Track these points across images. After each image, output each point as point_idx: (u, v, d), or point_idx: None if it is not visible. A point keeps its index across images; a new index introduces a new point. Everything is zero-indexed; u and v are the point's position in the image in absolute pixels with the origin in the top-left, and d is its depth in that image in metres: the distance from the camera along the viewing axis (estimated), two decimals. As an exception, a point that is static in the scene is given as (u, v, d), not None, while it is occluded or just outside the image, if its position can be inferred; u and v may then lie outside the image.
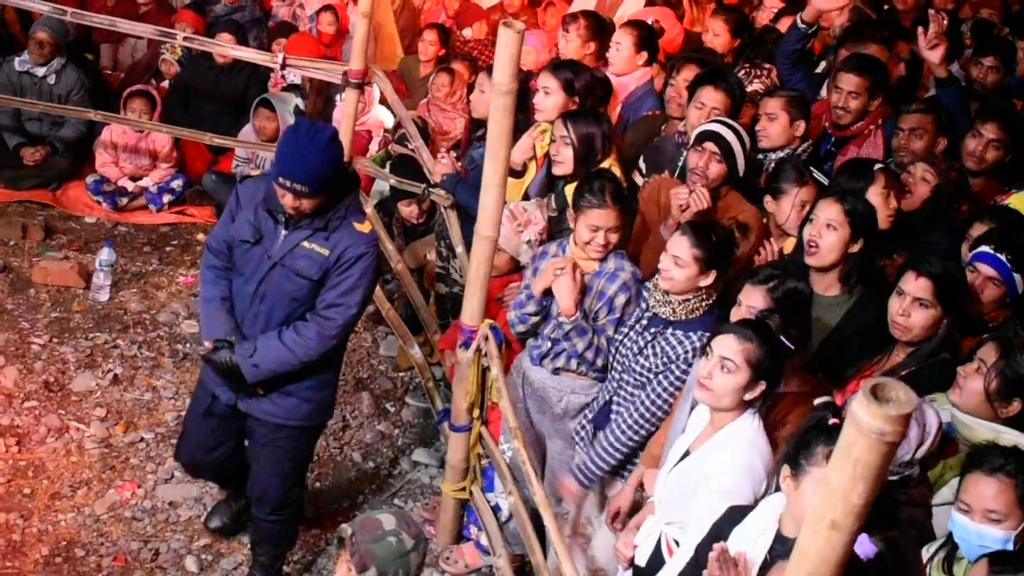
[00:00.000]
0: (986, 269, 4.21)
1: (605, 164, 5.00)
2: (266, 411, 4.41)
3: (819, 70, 6.62)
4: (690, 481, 3.52)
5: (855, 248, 4.23)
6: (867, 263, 4.32)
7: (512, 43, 3.93)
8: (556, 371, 4.61)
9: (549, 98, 5.40)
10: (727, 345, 3.43)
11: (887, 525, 2.91)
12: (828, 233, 4.19)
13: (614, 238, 4.43)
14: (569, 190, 4.99)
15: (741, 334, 3.44)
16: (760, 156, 5.31)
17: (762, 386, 3.44)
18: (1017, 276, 4.18)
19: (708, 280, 4.07)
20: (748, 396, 3.45)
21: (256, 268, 4.21)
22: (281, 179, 3.97)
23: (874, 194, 4.53)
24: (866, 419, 1.73)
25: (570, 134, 4.93)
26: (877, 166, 4.76)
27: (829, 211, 4.21)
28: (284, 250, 4.14)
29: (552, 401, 4.65)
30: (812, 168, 4.99)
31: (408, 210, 6.68)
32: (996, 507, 3.09)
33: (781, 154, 5.32)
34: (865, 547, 2.85)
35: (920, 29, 5.51)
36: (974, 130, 5.28)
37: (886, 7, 7.90)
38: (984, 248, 4.23)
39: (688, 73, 5.49)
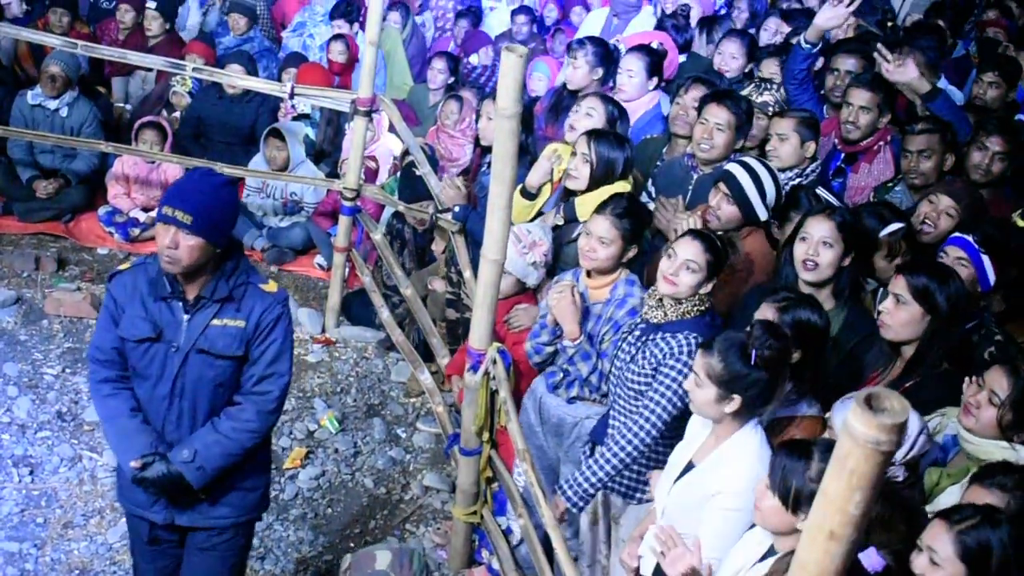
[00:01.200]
0: (953, 251, 4.36)
1: (618, 184, 5.05)
2: (213, 516, 3.91)
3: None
4: (695, 496, 3.52)
5: (846, 262, 4.30)
6: (854, 275, 4.41)
7: (515, 67, 3.94)
8: (571, 400, 4.62)
9: (590, 120, 5.47)
10: (698, 361, 3.52)
11: (900, 541, 2.92)
12: (825, 250, 4.26)
13: (602, 251, 4.44)
14: (579, 202, 5.03)
15: (706, 351, 3.50)
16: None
17: (736, 399, 3.43)
18: (985, 258, 4.30)
19: (709, 287, 4.11)
20: (728, 409, 3.46)
21: (164, 366, 3.69)
22: (165, 209, 3.50)
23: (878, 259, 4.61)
24: (861, 429, 1.74)
25: (591, 152, 5.00)
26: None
27: (822, 228, 4.27)
28: (193, 336, 3.66)
29: (567, 428, 4.65)
30: (822, 189, 5.03)
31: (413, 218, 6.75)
32: None
33: (791, 174, 5.36)
34: (873, 560, 2.85)
35: (880, 60, 5.61)
36: (979, 143, 5.30)
37: (890, 24, 7.95)
38: (955, 234, 4.41)
39: (696, 92, 5.55)
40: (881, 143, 5.69)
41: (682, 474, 3.63)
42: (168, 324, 3.67)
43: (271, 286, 3.80)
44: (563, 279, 4.62)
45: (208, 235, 3.52)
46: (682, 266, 4.04)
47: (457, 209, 5.84)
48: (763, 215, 4.78)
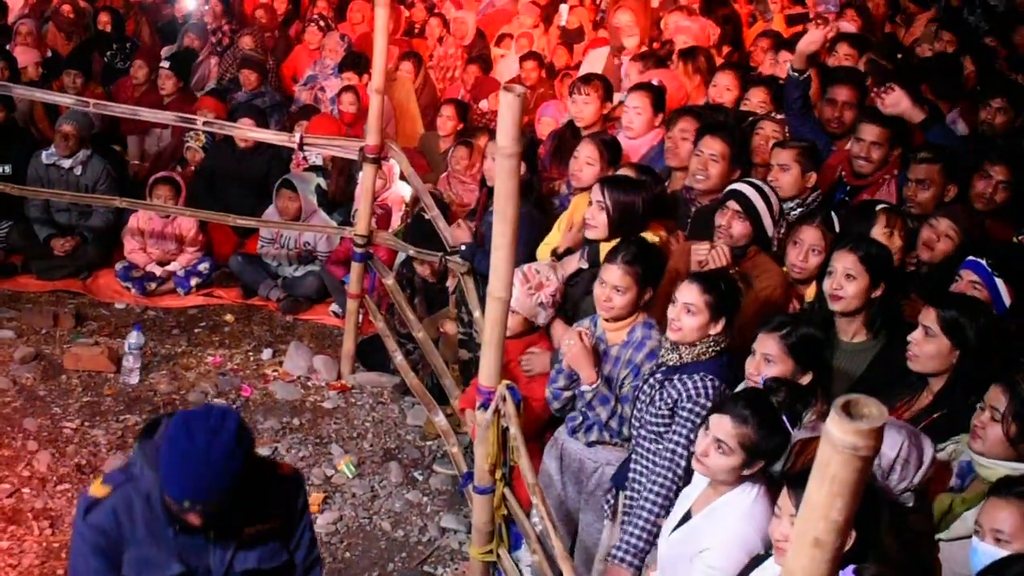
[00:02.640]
0: (967, 274, 4.36)
1: (648, 233, 5.07)
2: None
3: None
4: (686, 549, 3.55)
5: (877, 293, 4.31)
6: (891, 307, 4.41)
7: (513, 106, 4.00)
8: (591, 444, 4.65)
9: (591, 168, 5.53)
10: (723, 427, 3.45)
11: (881, 558, 2.94)
12: (848, 283, 4.28)
13: (618, 299, 4.48)
14: (604, 248, 5.05)
15: (738, 416, 3.43)
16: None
17: (760, 464, 3.46)
18: (999, 280, 4.30)
19: (718, 328, 4.09)
20: (746, 472, 3.48)
21: None
22: (185, 504, 2.89)
23: (876, 234, 4.60)
24: (839, 435, 1.77)
25: (605, 199, 4.99)
26: (879, 207, 4.82)
27: (845, 261, 4.30)
28: (226, 558, 3.13)
29: (587, 472, 4.67)
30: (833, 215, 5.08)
31: (422, 268, 6.81)
32: (1003, 528, 3.15)
33: (792, 204, 5.39)
34: None
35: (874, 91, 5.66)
36: (982, 170, 5.30)
37: (900, 56, 7.98)
38: (969, 257, 4.40)
39: (684, 124, 5.61)
40: (887, 176, 5.71)
41: (680, 523, 3.66)
42: (196, 552, 3.11)
43: (286, 468, 3.38)
44: (580, 325, 4.66)
45: (241, 495, 2.97)
46: (682, 310, 4.08)
47: (463, 248, 5.90)
48: (771, 230, 4.82)
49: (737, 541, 3.39)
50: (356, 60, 9.75)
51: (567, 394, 4.66)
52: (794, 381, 3.75)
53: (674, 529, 3.67)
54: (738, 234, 4.76)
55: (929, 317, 3.91)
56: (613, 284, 4.47)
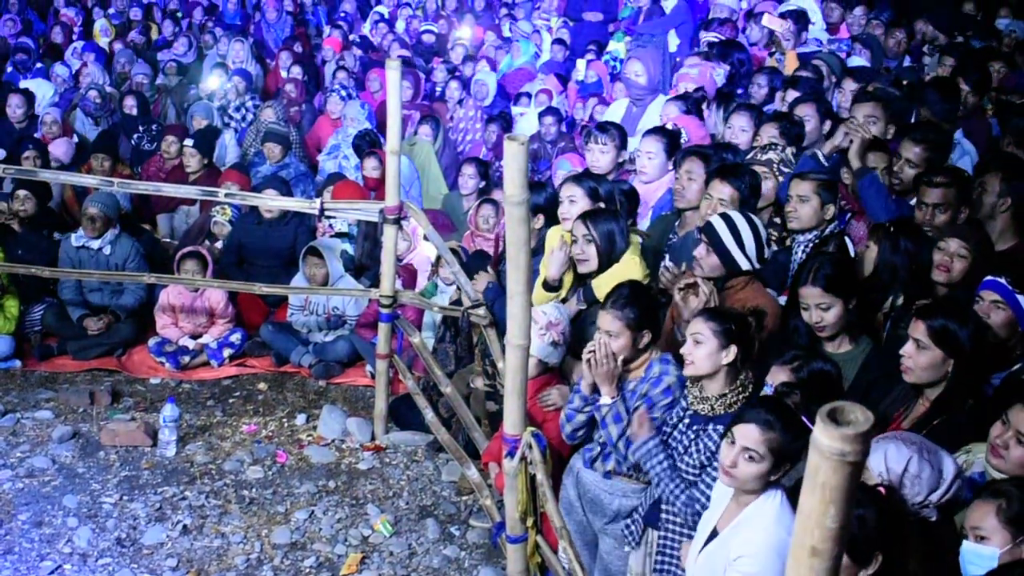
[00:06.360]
0: (988, 294, 4.36)
1: (627, 256, 5.15)
2: None
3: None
4: (719, 560, 3.53)
5: (852, 305, 4.51)
6: (863, 314, 4.61)
7: (518, 155, 4.05)
8: (607, 475, 4.66)
9: (575, 206, 5.58)
10: (749, 435, 3.47)
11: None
12: (826, 313, 4.48)
13: (615, 344, 4.53)
14: (596, 284, 5.12)
15: (763, 423, 3.46)
16: (788, 238, 5.43)
17: (787, 467, 3.47)
18: (1021, 297, 4.31)
19: (729, 356, 4.11)
20: (774, 478, 3.49)
21: None
22: None
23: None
24: (826, 442, 1.78)
25: (591, 232, 5.13)
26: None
27: (812, 295, 4.50)
28: None
29: (604, 503, 4.72)
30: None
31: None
32: (981, 524, 3.20)
33: (810, 236, 5.42)
34: None
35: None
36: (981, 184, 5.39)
37: (905, 82, 8.03)
38: (987, 277, 4.43)
39: (690, 165, 5.67)
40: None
41: (707, 542, 3.65)
42: None
43: None
44: None
45: None
46: (691, 342, 4.13)
47: (487, 288, 5.96)
48: (744, 264, 4.85)
49: (771, 546, 3.37)
50: (378, 126, 9.91)
51: (580, 417, 4.70)
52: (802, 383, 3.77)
53: (701, 549, 3.66)
54: (708, 267, 4.85)
55: (918, 330, 3.93)
56: (606, 330, 4.54)
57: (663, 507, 4.33)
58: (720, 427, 4.09)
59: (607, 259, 5.12)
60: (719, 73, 8.67)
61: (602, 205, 5.60)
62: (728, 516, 3.60)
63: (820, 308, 4.44)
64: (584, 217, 5.23)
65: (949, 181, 5.34)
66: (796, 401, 3.66)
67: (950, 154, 6.35)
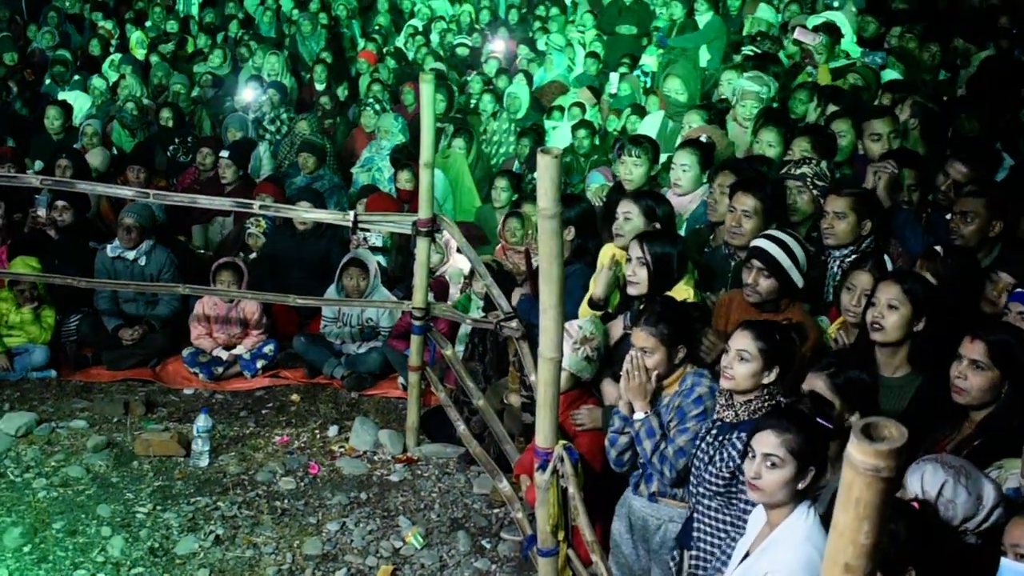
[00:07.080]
0: (1016, 306, 4.32)
1: (680, 285, 5.11)
2: None
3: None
4: None
5: (919, 326, 4.29)
6: (934, 343, 4.34)
7: (551, 168, 4.06)
8: (652, 497, 4.65)
9: (629, 223, 5.56)
10: (767, 441, 3.45)
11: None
12: (890, 313, 4.30)
13: (650, 361, 4.53)
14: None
15: (777, 427, 3.45)
16: (824, 254, 5.38)
17: (812, 472, 3.43)
18: None
19: (772, 376, 4.07)
20: (801, 485, 3.44)
21: None
22: None
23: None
24: (860, 458, 1.78)
25: (646, 255, 5.07)
26: None
27: (889, 292, 4.32)
28: None
29: (651, 529, 4.68)
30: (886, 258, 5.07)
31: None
32: (1020, 542, 3.17)
33: (846, 251, 5.38)
34: None
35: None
36: None
37: (945, 99, 7.98)
38: (1018, 290, 4.36)
39: (723, 179, 5.65)
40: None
41: (738, 564, 3.62)
42: None
43: None
44: None
45: None
46: (735, 358, 4.08)
47: (520, 300, 5.95)
48: (800, 282, 4.84)
49: (801, 563, 3.33)
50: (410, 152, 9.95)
51: (623, 439, 4.66)
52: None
53: (733, 572, 3.63)
54: (765, 291, 4.80)
55: (977, 350, 3.86)
56: (641, 346, 4.54)
57: (694, 524, 4.29)
58: (744, 433, 4.07)
59: (658, 284, 5.07)
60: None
61: (657, 226, 5.57)
62: (759, 539, 3.57)
63: (889, 306, 4.31)
64: (641, 238, 5.17)
65: (978, 191, 5.31)
66: (808, 408, 3.62)
67: (997, 171, 6.29)
